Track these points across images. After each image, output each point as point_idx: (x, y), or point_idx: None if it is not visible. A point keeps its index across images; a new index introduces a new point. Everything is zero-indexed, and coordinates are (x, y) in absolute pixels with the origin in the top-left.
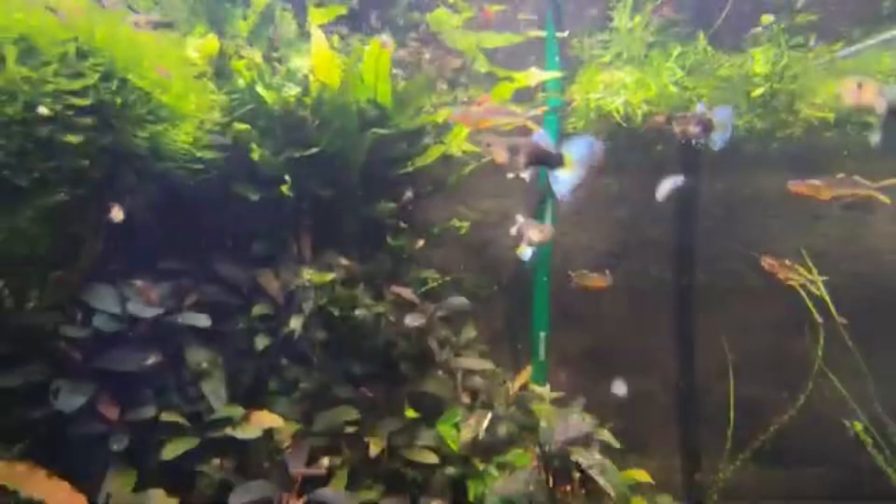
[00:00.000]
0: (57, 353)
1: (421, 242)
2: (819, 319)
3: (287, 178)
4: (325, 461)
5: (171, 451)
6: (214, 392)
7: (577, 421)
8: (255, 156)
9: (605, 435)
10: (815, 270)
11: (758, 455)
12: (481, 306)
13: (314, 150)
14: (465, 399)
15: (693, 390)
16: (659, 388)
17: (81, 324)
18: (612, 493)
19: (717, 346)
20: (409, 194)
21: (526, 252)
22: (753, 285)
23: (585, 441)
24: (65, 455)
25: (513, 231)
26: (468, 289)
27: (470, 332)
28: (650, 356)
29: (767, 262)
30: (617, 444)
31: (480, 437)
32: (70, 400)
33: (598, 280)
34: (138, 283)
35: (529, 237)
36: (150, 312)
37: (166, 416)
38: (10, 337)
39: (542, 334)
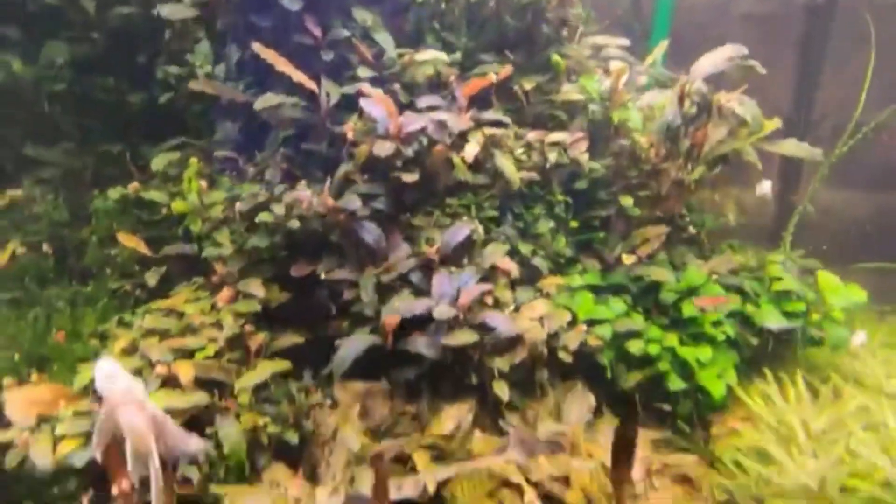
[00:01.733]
0: None
1: None
2: None
3: None
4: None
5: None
6: (384, 40)
7: (723, 52)
8: None
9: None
10: None
11: (853, 179)
12: None
13: None
14: (600, 71)
15: (806, 121)
16: None
17: None
18: (750, 121)
19: (844, 74)
20: None
21: None
22: None
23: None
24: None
25: None
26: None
27: None
28: (765, 90)
29: None
30: (757, 110)
31: (620, 86)
32: None
33: None
34: None
35: None
36: None
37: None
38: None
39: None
